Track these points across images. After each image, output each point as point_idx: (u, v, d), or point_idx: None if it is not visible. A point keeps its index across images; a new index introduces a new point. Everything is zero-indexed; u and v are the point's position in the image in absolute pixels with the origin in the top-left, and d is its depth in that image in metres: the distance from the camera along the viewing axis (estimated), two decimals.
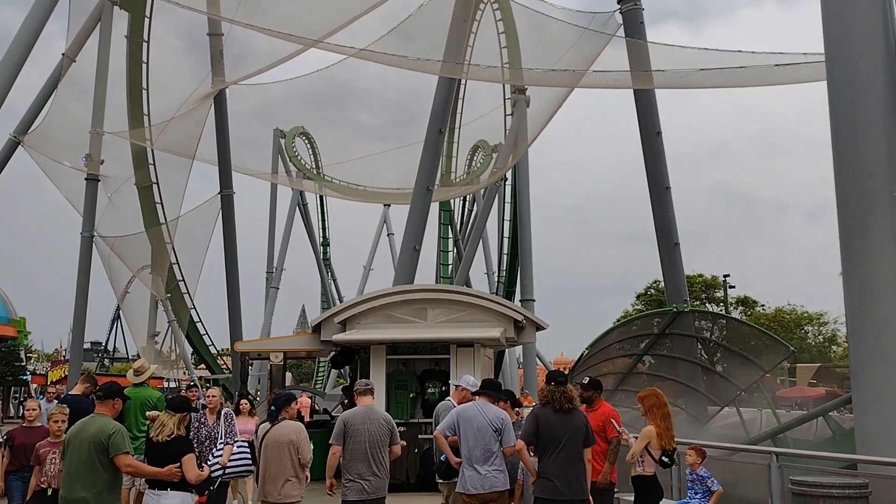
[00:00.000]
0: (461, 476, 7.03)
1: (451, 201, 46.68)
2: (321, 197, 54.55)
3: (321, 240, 55.82)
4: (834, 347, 56.73)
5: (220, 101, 33.96)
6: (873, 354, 9.89)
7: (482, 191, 39.24)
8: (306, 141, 49.27)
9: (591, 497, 6.75)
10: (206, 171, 47.58)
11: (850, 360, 10.35)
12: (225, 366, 42.38)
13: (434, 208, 42.21)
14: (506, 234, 41.19)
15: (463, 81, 36.83)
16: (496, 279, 43.86)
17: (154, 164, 35.37)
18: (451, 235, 46.67)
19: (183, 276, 38.05)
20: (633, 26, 24.04)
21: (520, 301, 33.47)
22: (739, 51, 15.27)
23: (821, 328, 58.98)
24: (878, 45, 10.53)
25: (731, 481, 10.07)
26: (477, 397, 7.39)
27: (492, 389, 7.42)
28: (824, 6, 11.07)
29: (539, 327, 14.89)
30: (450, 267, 45.11)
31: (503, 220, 41.71)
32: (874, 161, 10.38)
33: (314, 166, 48.39)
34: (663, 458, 7.48)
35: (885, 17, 10.65)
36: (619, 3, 24.51)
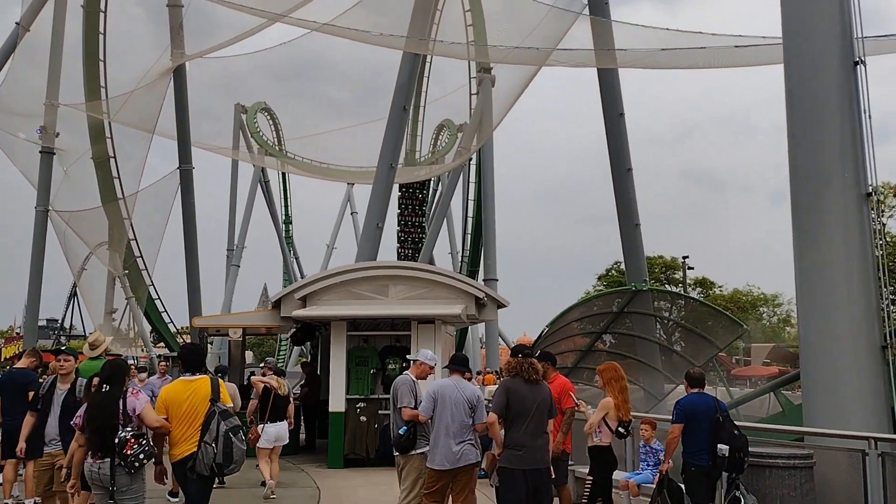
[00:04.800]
0: (433, 452, 7.07)
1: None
2: (283, 174, 54.00)
3: (283, 217, 55.35)
4: (788, 328, 58.16)
5: (179, 74, 33.34)
6: (821, 334, 10.16)
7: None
8: (268, 117, 48.64)
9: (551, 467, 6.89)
10: (166, 146, 46.79)
11: (800, 339, 10.63)
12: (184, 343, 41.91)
13: (397, 185, 42.08)
14: (470, 213, 41.30)
15: (428, 59, 36.63)
16: (460, 259, 44.02)
17: (111, 138, 34.63)
18: None
19: (141, 253, 37.45)
20: (599, 5, 24.06)
21: (483, 280, 33.66)
22: (700, 32, 15.46)
23: (775, 309, 60.43)
24: (833, 29, 10.73)
25: None
26: (450, 373, 7.44)
27: (462, 365, 7.49)
28: None
29: (500, 305, 14.99)
30: None
31: (468, 199, 41.79)
32: (827, 145, 10.59)
33: (276, 143, 47.82)
34: (619, 428, 7.64)
35: (840, 2, 10.84)
36: None
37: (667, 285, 52.79)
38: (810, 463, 7.03)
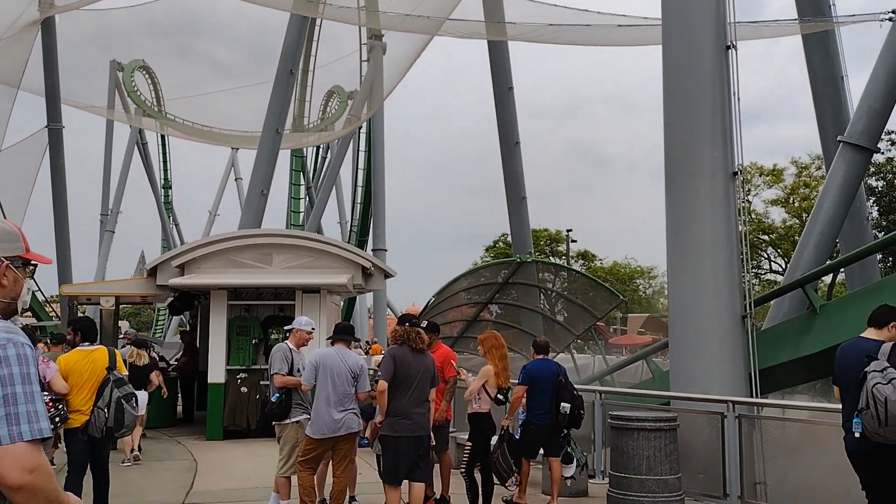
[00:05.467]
0: (315, 421, 7.01)
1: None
2: (163, 136, 51.58)
3: (162, 182, 53.00)
4: (662, 300, 61.35)
5: (48, 26, 30.98)
6: (687, 304, 10.73)
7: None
8: (147, 75, 46.15)
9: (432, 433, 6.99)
10: (33, 102, 43.58)
11: (669, 309, 11.19)
12: (53, 313, 39.62)
13: (285, 153, 41.10)
14: (360, 183, 40.88)
15: (318, 22, 35.71)
16: (349, 228, 43.60)
17: None
18: (302, 182, 45.71)
19: (5, 216, 34.89)
20: None
21: (372, 250, 33.53)
22: (587, 10, 15.82)
23: (651, 281, 63.55)
24: (709, 13, 11.18)
25: None
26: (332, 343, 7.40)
27: (346, 334, 7.45)
28: None
29: (388, 275, 14.98)
30: (301, 215, 44.26)
31: (357, 168, 41.32)
32: (698, 126, 11.06)
33: (155, 103, 45.50)
34: (498, 395, 7.83)
35: None
36: None
37: (551, 257, 54.39)
38: (674, 425, 7.43)
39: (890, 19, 15.89)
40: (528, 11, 16.67)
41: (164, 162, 53.98)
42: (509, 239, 32.02)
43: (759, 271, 46.59)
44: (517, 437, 8.31)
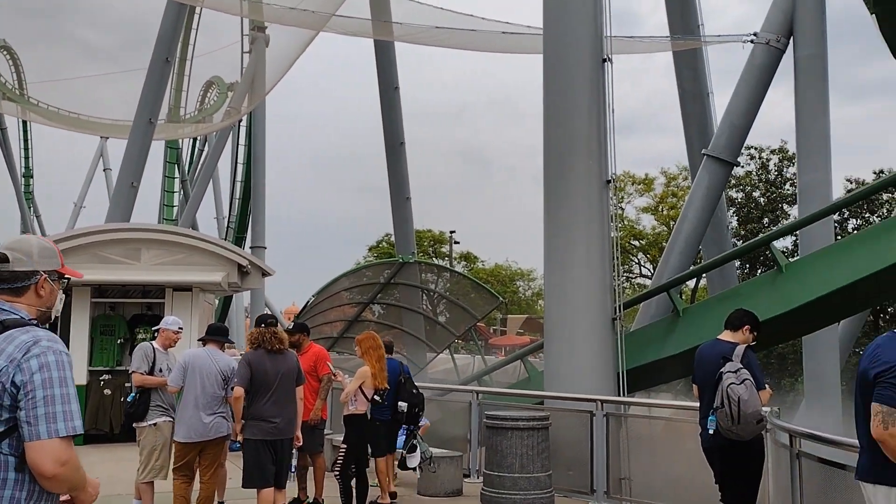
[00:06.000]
0: (180, 424, 6.81)
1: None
2: (25, 122, 48.16)
3: (23, 170, 49.49)
4: (541, 301, 63.09)
5: None
6: (561, 306, 11.07)
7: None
8: (8, 56, 42.92)
9: (300, 434, 6.85)
10: None
11: (545, 310, 11.50)
12: None
13: (159, 145, 39.33)
14: (238, 177, 39.61)
15: (198, 10, 34.38)
16: (226, 224, 42.21)
17: None
18: (177, 175, 43.83)
19: None
20: None
21: (250, 248, 32.60)
22: (472, 15, 16.02)
23: (530, 283, 65.25)
24: (587, 26, 11.56)
25: (442, 419, 10.82)
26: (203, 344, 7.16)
27: (219, 335, 7.21)
28: None
29: (265, 273, 14.59)
30: (175, 209, 42.40)
31: (236, 162, 40.02)
32: (575, 135, 11.42)
33: (17, 86, 42.40)
34: (375, 396, 7.76)
35: (594, 1, 11.69)
36: None
37: (434, 258, 54.80)
38: (546, 424, 7.62)
39: (752, 41, 16.99)
40: (415, 13, 16.70)
41: (26, 150, 50.45)
42: (393, 239, 31.97)
43: (630, 275, 48.89)
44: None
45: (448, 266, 42.87)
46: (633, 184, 51.37)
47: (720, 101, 18.15)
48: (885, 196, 33.50)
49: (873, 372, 3.35)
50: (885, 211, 34.33)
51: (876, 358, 3.38)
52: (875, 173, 35.17)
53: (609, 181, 11.62)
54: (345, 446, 7.74)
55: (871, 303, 20.33)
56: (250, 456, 6.48)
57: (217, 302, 26.62)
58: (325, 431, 8.86)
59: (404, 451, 8.28)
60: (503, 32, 15.67)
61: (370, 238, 60.48)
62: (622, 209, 49.07)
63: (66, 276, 2.60)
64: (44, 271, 2.48)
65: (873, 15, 16.08)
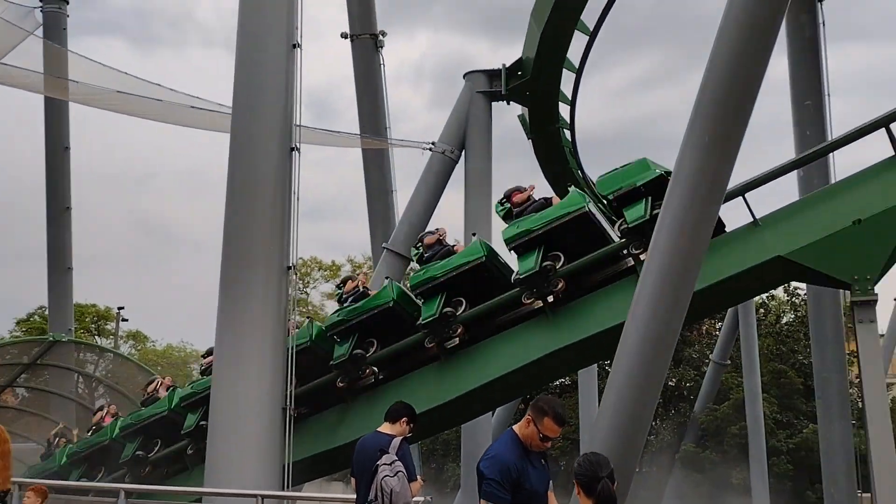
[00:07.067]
0: None
1: None
2: None
3: None
4: None
5: None
6: (229, 396, 10.56)
7: None
8: None
9: None
10: None
11: (211, 398, 10.88)
12: None
13: None
14: None
15: None
16: None
17: None
18: None
19: None
20: (56, 31, 22.34)
21: None
22: (160, 84, 15.35)
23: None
24: (277, 114, 11.68)
25: None
26: None
27: None
28: (237, 70, 11.81)
29: None
30: None
31: None
32: (258, 221, 11.29)
33: None
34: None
35: (286, 88, 11.88)
36: (41, 1, 22.65)
37: (97, 337, 49.84)
38: None
39: (430, 149, 18.59)
40: (94, 73, 15.50)
41: None
42: (47, 313, 28.47)
43: None
44: None
45: (112, 347, 39.34)
46: (319, 269, 52.24)
47: (404, 197, 19.43)
48: None
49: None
50: None
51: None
52: None
53: (290, 267, 11.62)
54: None
55: (521, 392, 22.66)
56: None
57: None
58: None
59: None
60: (191, 107, 15.22)
61: (18, 310, 53.18)
62: (307, 293, 49.44)
63: None
64: None
65: (530, 140, 18.75)
